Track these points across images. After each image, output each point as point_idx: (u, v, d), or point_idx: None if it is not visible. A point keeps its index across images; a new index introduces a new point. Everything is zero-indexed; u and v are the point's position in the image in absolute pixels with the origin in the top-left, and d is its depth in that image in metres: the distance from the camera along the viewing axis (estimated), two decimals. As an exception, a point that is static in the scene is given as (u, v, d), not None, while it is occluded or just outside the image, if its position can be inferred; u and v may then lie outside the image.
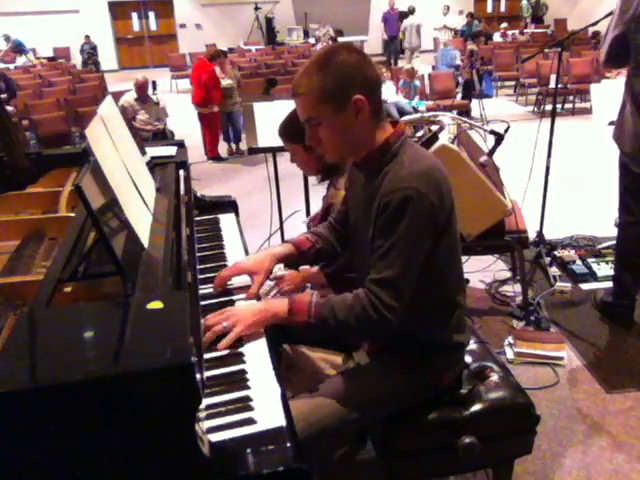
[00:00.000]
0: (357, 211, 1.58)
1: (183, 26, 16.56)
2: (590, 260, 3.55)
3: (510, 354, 2.74)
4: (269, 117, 3.02)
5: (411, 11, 12.93)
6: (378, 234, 1.37)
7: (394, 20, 13.45)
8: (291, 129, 2.07)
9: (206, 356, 1.35)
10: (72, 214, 1.81)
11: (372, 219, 1.41)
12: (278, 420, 1.16)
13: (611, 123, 3.40)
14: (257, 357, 1.37)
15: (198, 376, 1.01)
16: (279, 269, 2.13)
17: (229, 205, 2.37)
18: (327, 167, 2.06)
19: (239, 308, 1.48)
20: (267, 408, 1.20)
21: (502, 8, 18.14)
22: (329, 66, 1.34)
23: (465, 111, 8.12)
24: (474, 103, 8.35)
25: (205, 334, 1.40)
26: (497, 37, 13.38)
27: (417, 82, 7.85)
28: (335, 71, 1.34)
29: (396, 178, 1.36)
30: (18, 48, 13.53)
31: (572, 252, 3.66)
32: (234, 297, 1.62)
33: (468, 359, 1.72)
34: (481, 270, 3.51)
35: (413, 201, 1.31)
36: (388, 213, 1.34)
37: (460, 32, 14.05)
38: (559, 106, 8.03)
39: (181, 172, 2.22)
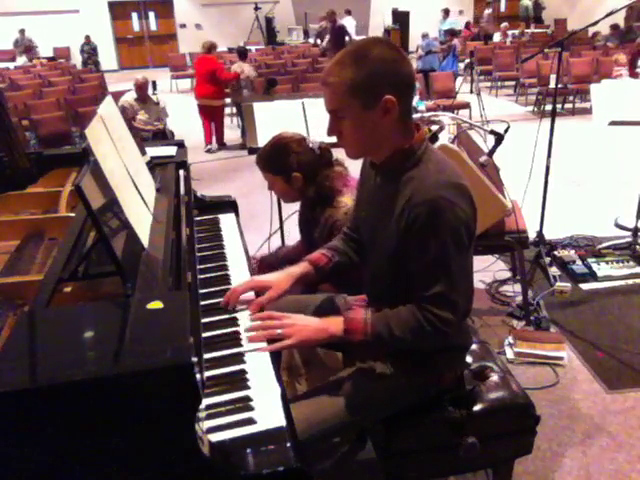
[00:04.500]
0: (370, 211, 1.54)
1: (183, 26, 16.54)
2: (590, 260, 3.55)
3: (510, 354, 2.74)
4: (269, 117, 3.02)
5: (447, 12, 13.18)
6: (415, 250, 1.34)
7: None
8: (272, 161, 2.04)
9: (206, 356, 1.35)
10: (72, 214, 1.81)
11: (394, 226, 1.38)
12: (278, 420, 1.16)
13: (611, 123, 3.41)
14: (257, 357, 1.36)
15: (198, 376, 1.01)
16: None
17: (229, 205, 2.37)
18: (316, 195, 2.02)
19: (299, 318, 1.46)
20: (267, 408, 1.20)
21: (502, 8, 18.14)
22: (365, 59, 1.29)
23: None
24: (474, 103, 8.36)
25: (257, 328, 1.41)
26: (497, 37, 13.36)
27: (416, 83, 7.87)
28: (371, 66, 1.29)
29: (423, 188, 1.32)
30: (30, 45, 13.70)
31: (572, 252, 3.66)
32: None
33: (468, 359, 1.72)
34: (481, 270, 3.51)
35: (445, 212, 1.28)
36: (420, 226, 1.31)
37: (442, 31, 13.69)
38: (559, 106, 8.03)
39: (181, 172, 2.22)
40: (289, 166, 2.00)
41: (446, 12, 13.79)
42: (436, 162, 1.38)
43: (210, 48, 7.24)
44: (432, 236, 1.30)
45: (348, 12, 13.62)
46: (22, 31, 13.93)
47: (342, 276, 1.72)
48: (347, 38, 10.47)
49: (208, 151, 7.25)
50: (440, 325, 1.33)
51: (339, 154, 2.12)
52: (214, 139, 7.44)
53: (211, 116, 7.33)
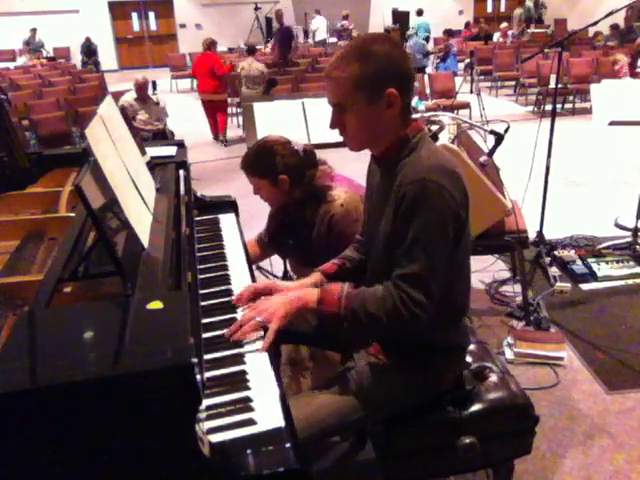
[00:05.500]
0: (371, 208, 1.57)
1: (183, 26, 16.54)
2: (590, 260, 3.55)
3: (510, 354, 2.74)
4: (269, 117, 3.02)
5: (419, 12, 13.03)
6: (399, 229, 1.35)
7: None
8: (257, 164, 2.04)
9: (206, 357, 1.35)
10: (72, 214, 1.81)
11: (388, 211, 1.39)
12: (278, 421, 1.16)
13: (611, 123, 3.41)
14: (257, 358, 1.36)
15: (198, 377, 1.01)
16: None
17: (229, 205, 2.37)
18: (305, 195, 2.02)
19: (270, 300, 1.47)
20: (267, 409, 1.19)
21: (502, 8, 18.14)
22: (370, 55, 1.33)
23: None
24: (474, 103, 8.38)
25: (236, 327, 1.41)
26: (497, 37, 13.35)
27: (416, 83, 7.88)
28: (375, 61, 1.33)
29: (413, 170, 1.35)
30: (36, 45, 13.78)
31: (572, 252, 3.66)
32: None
33: (468, 359, 1.72)
34: (481, 270, 3.51)
35: (431, 192, 1.29)
36: (406, 205, 1.32)
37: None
38: (559, 106, 8.03)
39: (181, 172, 2.22)
40: (275, 169, 2.00)
41: (418, 12, 13.51)
42: (428, 148, 1.40)
43: (210, 45, 7.59)
44: (416, 215, 1.31)
45: (318, 12, 14.21)
46: (34, 30, 13.98)
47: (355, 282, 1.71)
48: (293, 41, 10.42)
49: (220, 142, 7.63)
50: (412, 306, 1.31)
51: (323, 154, 2.14)
52: (208, 129, 7.77)
53: (214, 110, 7.62)
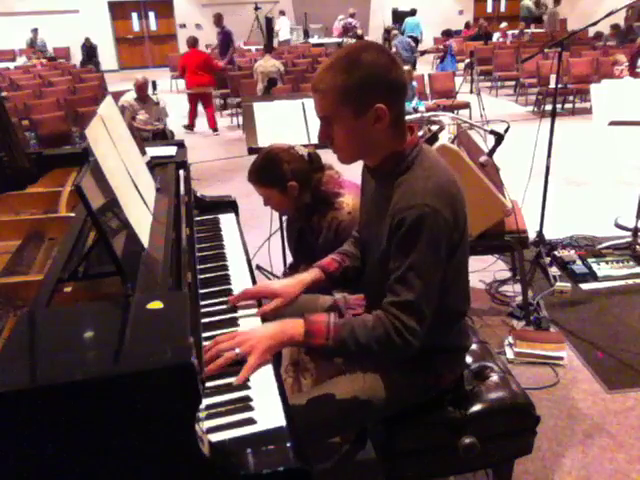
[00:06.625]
0: (367, 215, 1.56)
1: (183, 26, 16.55)
2: (590, 260, 3.55)
3: (510, 354, 2.74)
4: (269, 117, 3.02)
5: (412, 12, 12.97)
6: (394, 254, 1.33)
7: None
8: (266, 173, 2.05)
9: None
10: (72, 214, 1.81)
11: (384, 228, 1.37)
12: (278, 420, 1.16)
13: (611, 123, 3.41)
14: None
15: (198, 376, 1.01)
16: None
17: (229, 205, 2.37)
18: (314, 200, 2.02)
19: (252, 331, 1.37)
20: (267, 408, 1.19)
21: (502, 8, 18.14)
22: (357, 66, 1.28)
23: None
24: (474, 103, 8.38)
25: (211, 356, 1.29)
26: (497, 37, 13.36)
27: (415, 83, 7.88)
28: (362, 73, 1.28)
29: (410, 193, 1.31)
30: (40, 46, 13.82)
31: (572, 252, 3.66)
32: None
33: (468, 359, 1.72)
34: (481, 270, 3.51)
35: (428, 219, 1.27)
36: (403, 232, 1.30)
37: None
38: (559, 106, 8.03)
39: (181, 172, 2.22)
40: (284, 176, 2.00)
41: (412, 12, 13.23)
42: (426, 167, 1.37)
43: (195, 42, 8.16)
44: (413, 242, 1.29)
45: (282, 13, 14.78)
46: (35, 30, 13.99)
47: (353, 280, 1.69)
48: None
49: (188, 127, 8.13)
50: (406, 334, 1.29)
51: (323, 155, 2.13)
52: (205, 124, 8.16)
53: (202, 101, 8.10)
